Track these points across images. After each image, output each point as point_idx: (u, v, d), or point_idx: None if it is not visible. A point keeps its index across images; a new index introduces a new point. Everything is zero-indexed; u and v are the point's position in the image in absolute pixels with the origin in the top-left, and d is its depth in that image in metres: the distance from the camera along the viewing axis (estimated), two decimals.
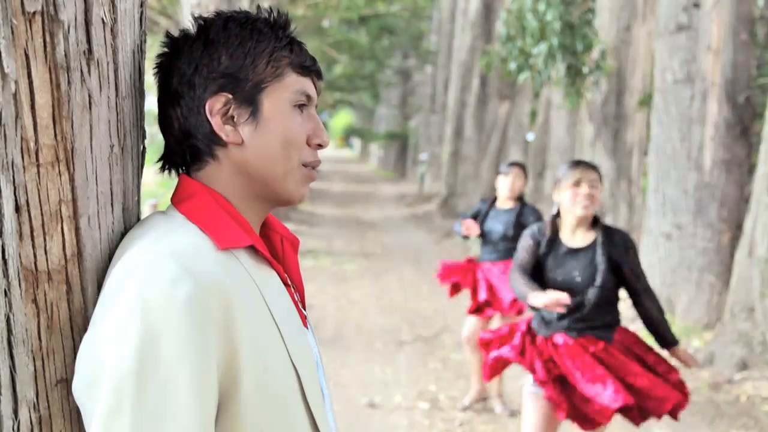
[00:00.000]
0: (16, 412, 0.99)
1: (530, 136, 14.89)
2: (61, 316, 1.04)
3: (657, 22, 7.99)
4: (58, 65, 1.00)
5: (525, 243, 3.46)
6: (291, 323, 1.14)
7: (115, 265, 1.05)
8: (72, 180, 1.03)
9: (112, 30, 1.10)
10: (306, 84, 1.18)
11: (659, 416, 3.29)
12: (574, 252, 3.36)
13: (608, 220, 9.20)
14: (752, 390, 5.55)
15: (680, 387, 3.32)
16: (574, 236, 3.38)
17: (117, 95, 1.12)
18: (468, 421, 4.95)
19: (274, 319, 1.10)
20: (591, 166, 3.35)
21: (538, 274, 3.43)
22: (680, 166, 7.29)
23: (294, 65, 1.17)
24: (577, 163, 3.35)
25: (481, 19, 16.19)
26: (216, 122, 1.13)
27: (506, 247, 5.11)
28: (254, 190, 1.17)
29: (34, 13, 0.97)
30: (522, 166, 5.33)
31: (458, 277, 5.32)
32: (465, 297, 5.73)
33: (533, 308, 3.35)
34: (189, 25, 1.18)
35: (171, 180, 1.24)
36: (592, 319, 3.32)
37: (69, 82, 1.02)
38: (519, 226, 5.02)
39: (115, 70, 1.11)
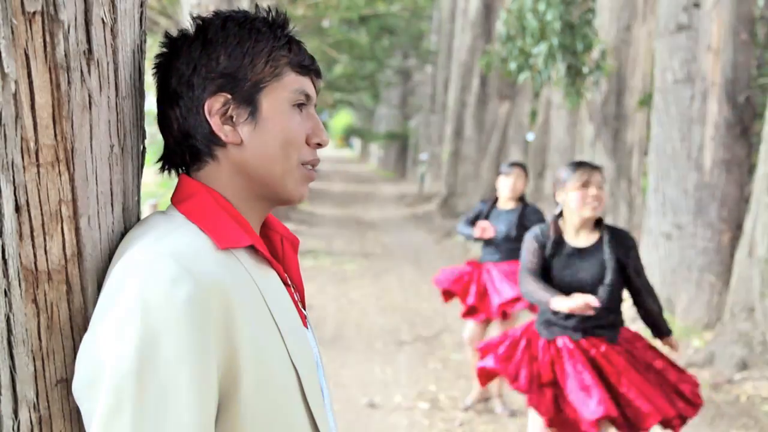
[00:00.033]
0: (16, 412, 0.99)
1: (530, 136, 14.89)
2: (61, 316, 1.04)
3: (657, 22, 7.99)
4: (58, 65, 1.00)
5: (530, 246, 3.44)
6: (291, 323, 1.14)
7: (115, 265, 1.05)
8: (72, 180, 1.03)
9: (112, 30, 1.10)
10: (305, 83, 1.18)
11: (645, 429, 3.27)
12: (579, 252, 3.37)
13: (608, 220, 9.20)
14: (752, 390, 5.55)
15: (691, 396, 3.31)
16: (579, 237, 3.40)
17: (117, 95, 1.12)
18: (468, 421, 4.95)
19: (274, 319, 1.10)
20: (596, 167, 3.38)
21: (545, 277, 3.43)
22: (680, 166, 7.29)
23: (293, 64, 1.17)
24: (583, 164, 3.36)
25: (481, 19, 16.19)
26: (215, 122, 1.13)
27: (509, 247, 5.11)
28: (254, 189, 1.17)
29: (34, 13, 0.97)
30: (523, 167, 5.33)
31: (450, 285, 5.32)
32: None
33: (554, 312, 3.35)
34: (188, 25, 1.18)
35: (171, 180, 1.24)
36: (597, 318, 3.33)
37: (69, 82, 1.02)
38: (522, 226, 5.02)
39: (115, 70, 1.11)
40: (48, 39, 0.98)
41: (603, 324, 3.35)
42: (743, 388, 5.59)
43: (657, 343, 3.75)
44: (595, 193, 3.29)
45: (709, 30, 6.97)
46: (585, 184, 3.29)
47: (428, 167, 22.52)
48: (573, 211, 3.35)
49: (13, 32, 0.95)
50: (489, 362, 3.55)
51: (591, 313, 3.20)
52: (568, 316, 3.35)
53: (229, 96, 1.13)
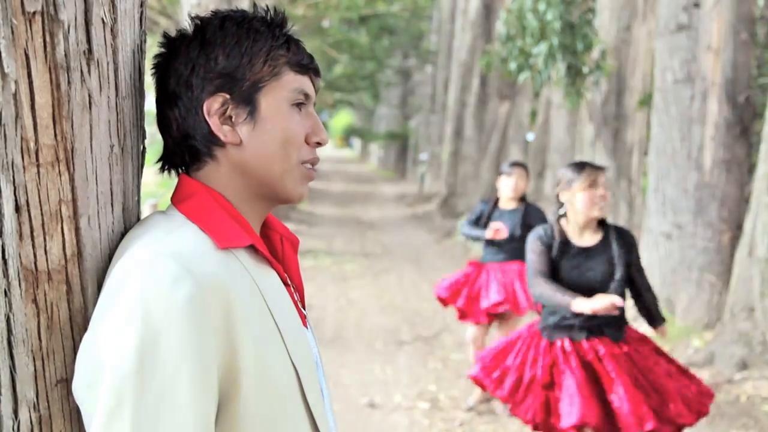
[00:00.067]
0: (16, 412, 0.99)
1: (530, 136, 14.89)
2: (61, 316, 1.04)
3: (657, 22, 7.98)
4: (58, 65, 1.00)
5: (536, 248, 3.42)
6: (291, 323, 1.14)
7: (115, 265, 1.05)
8: (72, 180, 1.03)
9: (112, 30, 1.10)
10: (304, 82, 1.18)
11: None
12: (585, 251, 3.38)
13: (608, 220, 9.19)
14: (752, 390, 5.55)
15: (695, 404, 3.29)
16: (583, 236, 3.41)
17: (117, 95, 1.12)
18: (468, 421, 4.95)
19: (274, 319, 1.10)
20: (601, 168, 3.41)
21: (552, 278, 3.43)
22: (680, 166, 7.29)
23: (291, 63, 1.16)
24: (588, 165, 3.38)
25: (481, 18, 16.19)
26: (214, 123, 1.13)
27: (514, 247, 5.11)
28: (254, 189, 1.17)
29: (34, 13, 0.97)
30: (524, 166, 5.34)
31: (443, 292, 5.32)
32: None
33: (577, 314, 3.35)
34: (186, 25, 1.18)
35: (171, 180, 1.24)
36: (603, 316, 3.32)
37: (69, 82, 1.02)
38: (526, 226, 5.03)
39: (115, 70, 1.11)
40: (48, 39, 0.98)
41: (609, 322, 3.35)
42: (743, 388, 5.59)
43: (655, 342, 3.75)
44: (602, 193, 3.33)
45: (709, 30, 6.97)
46: (592, 185, 3.32)
47: (428, 167, 22.51)
48: (580, 211, 3.36)
49: (13, 32, 0.95)
50: (475, 370, 3.63)
51: (616, 313, 3.20)
52: (573, 315, 3.35)
53: (228, 96, 1.13)
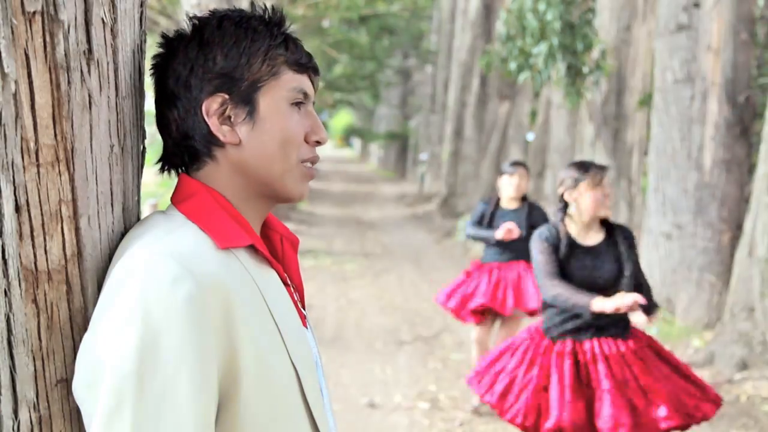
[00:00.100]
0: (16, 412, 0.99)
1: (530, 136, 14.89)
2: (61, 316, 1.04)
3: (657, 22, 7.98)
4: (58, 65, 1.00)
5: (543, 248, 3.40)
6: (291, 323, 1.14)
7: (115, 265, 1.05)
8: (72, 180, 1.03)
9: (112, 30, 1.10)
10: (303, 81, 1.18)
11: None
12: (592, 251, 3.40)
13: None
14: (752, 390, 5.55)
15: (692, 409, 3.27)
16: (588, 236, 3.43)
17: (117, 95, 1.12)
18: (468, 421, 4.95)
19: (274, 319, 1.10)
20: (604, 167, 3.44)
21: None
22: (680, 166, 7.29)
23: (290, 63, 1.16)
24: (593, 165, 3.40)
25: (481, 19, 16.19)
26: (213, 123, 1.13)
27: (518, 247, 5.11)
28: (253, 188, 1.16)
29: (34, 13, 0.97)
30: (525, 166, 5.34)
31: (444, 299, 5.33)
32: None
33: (566, 313, 3.35)
34: (185, 25, 1.18)
35: (171, 180, 1.24)
36: (609, 315, 3.32)
37: (69, 82, 1.02)
38: (530, 226, 5.03)
39: (115, 70, 1.11)
40: (48, 39, 0.98)
41: (616, 322, 3.36)
42: (743, 388, 5.59)
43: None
44: (606, 193, 3.37)
45: (709, 30, 6.97)
46: (598, 184, 3.34)
47: (428, 167, 22.52)
48: (586, 211, 3.37)
49: (13, 32, 0.95)
50: (469, 375, 3.66)
51: (637, 310, 3.20)
52: (578, 315, 3.35)
53: (227, 96, 1.13)
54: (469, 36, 16.73)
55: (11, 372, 0.98)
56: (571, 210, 3.41)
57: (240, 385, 1.03)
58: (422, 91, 29.40)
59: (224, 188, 1.15)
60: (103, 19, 1.07)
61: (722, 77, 6.88)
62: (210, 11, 1.17)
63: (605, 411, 3.20)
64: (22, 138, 0.97)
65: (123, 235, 1.16)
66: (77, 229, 1.05)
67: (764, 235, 5.84)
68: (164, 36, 1.18)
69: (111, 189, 1.12)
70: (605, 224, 3.48)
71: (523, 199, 5.25)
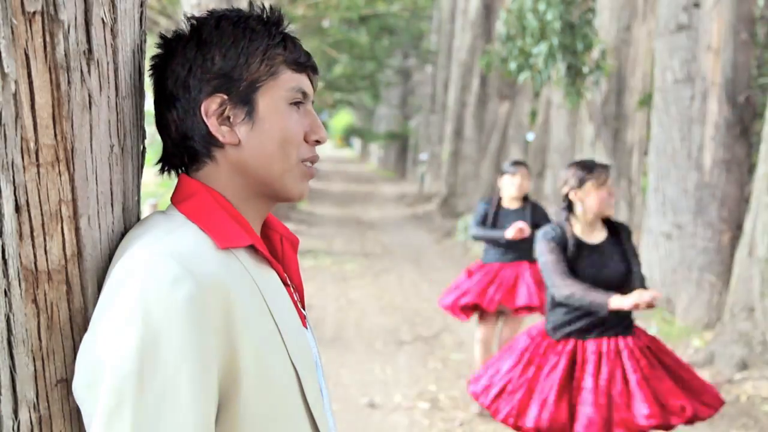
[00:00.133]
0: (16, 412, 0.99)
1: (530, 136, 14.89)
2: (61, 316, 1.04)
3: (657, 22, 7.99)
4: (58, 65, 1.00)
5: (551, 248, 3.37)
6: (291, 323, 1.13)
7: (115, 265, 1.05)
8: (72, 180, 1.03)
9: (112, 30, 1.09)
10: (301, 80, 1.17)
11: None
12: (597, 248, 3.41)
13: None
14: (752, 390, 5.55)
15: (676, 409, 3.27)
16: (592, 234, 3.44)
17: (117, 95, 1.12)
18: (468, 421, 4.95)
19: (274, 319, 1.10)
20: (607, 166, 3.47)
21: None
22: (680, 166, 7.29)
23: (288, 62, 1.16)
24: (596, 164, 3.43)
25: (481, 18, 16.19)
26: (212, 124, 1.13)
27: (522, 247, 5.11)
28: (253, 188, 1.16)
29: (34, 13, 0.96)
30: (526, 165, 5.34)
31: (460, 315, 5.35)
32: None
33: (585, 313, 3.35)
34: (184, 25, 1.18)
35: (171, 180, 1.24)
36: (615, 314, 3.32)
37: (69, 82, 1.02)
38: (534, 225, 5.04)
39: (115, 70, 1.11)
40: (48, 39, 0.98)
41: (621, 318, 3.36)
42: (743, 388, 5.59)
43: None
44: (612, 192, 3.40)
45: (709, 30, 6.97)
46: (604, 183, 3.35)
47: (428, 167, 22.52)
48: (591, 210, 3.38)
49: (13, 32, 0.95)
50: (470, 380, 3.69)
51: (654, 306, 3.19)
52: (586, 315, 3.35)
53: (226, 96, 1.13)
54: (469, 36, 16.73)
55: (11, 372, 0.98)
56: (578, 210, 3.40)
57: (240, 385, 1.03)
58: (422, 91, 29.41)
59: (224, 188, 1.15)
60: (103, 19, 1.07)
61: (722, 77, 6.88)
62: (208, 11, 1.17)
63: (583, 410, 3.22)
64: (22, 138, 0.97)
65: (123, 235, 1.16)
66: (77, 229, 1.05)
67: (764, 235, 5.84)
68: (162, 37, 1.18)
69: (111, 189, 1.12)
70: (606, 222, 3.50)
71: (525, 198, 5.24)
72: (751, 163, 7.10)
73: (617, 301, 3.18)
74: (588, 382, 3.26)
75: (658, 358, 3.36)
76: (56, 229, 1.02)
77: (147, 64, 1.22)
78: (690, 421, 3.27)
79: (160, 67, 1.17)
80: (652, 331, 6.47)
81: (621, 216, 9.53)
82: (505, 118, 15.48)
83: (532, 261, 5.13)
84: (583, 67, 8.81)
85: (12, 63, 0.95)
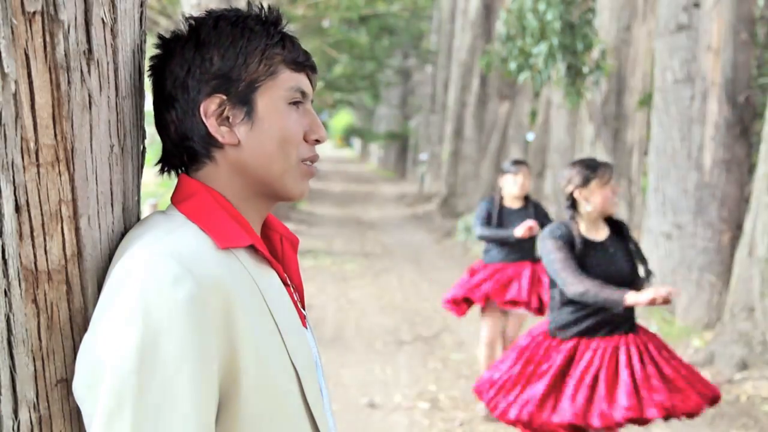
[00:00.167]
0: (16, 412, 0.99)
1: (530, 136, 14.89)
2: (61, 316, 1.04)
3: (657, 22, 7.98)
4: (58, 65, 1.00)
5: (559, 246, 3.34)
6: (291, 323, 1.13)
7: (115, 265, 1.05)
8: (72, 180, 1.03)
9: (112, 30, 1.09)
10: (300, 80, 1.17)
11: None
12: (603, 246, 3.41)
13: None
14: (752, 390, 5.55)
15: (669, 409, 3.27)
16: (596, 232, 3.44)
17: (117, 95, 1.12)
18: (468, 421, 4.95)
19: (274, 319, 1.10)
20: (610, 165, 3.49)
21: None
22: (680, 166, 7.29)
23: (287, 62, 1.16)
24: (600, 163, 3.44)
25: (481, 18, 16.19)
26: (211, 124, 1.13)
27: (525, 246, 5.11)
28: (253, 188, 1.16)
29: (34, 13, 0.97)
30: (527, 164, 5.34)
31: (454, 309, 5.35)
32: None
33: (588, 313, 3.36)
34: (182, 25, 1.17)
35: (171, 180, 1.24)
36: (618, 314, 3.32)
37: (69, 82, 1.02)
38: (539, 224, 5.04)
39: (115, 70, 1.11)
40: (48, 39, 0.98)
41: (627, 317, 3.36)
42: (743, 388, 5.59)
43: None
44: (616, 190, 3.43)
45: (709, 30, 6.97)
46: (608, 182, 3.38)
47: (428, 167, 22.52)
48: (596, 208, 3.39)
49: (13, 32, 0.95)
50: (485, 386, 3.68)
51: (669, 301, 3.17)
52: (593, 314, 3.34)
53: (225, 97, 1.13)
54: (469, 36, 16.73)
55: (11, 372, 0.98)
56: (585, 208, 3.39)
57: (240, 385, 1.03)
58: (422, 91, 29.41)
59: (224, 188, 1.15)
60: (103, 19, 1.07)
61: (722, 77, 6.88)
62: (206, 11, 1.17)
63: (563, 404, 3.25)
64: (22, 138, 0.97)
65: (123, 235, 1.16)
66: (77, 229, 1.05)
67: (764, 235, 5.84)
68: (161, 37, 1.17)
69: (111, 189, 1.12)
70: (606, 220, 3.51)
71: (526, 198, 5.24)
72: (751, 163, 7.10)
73: (633, 297, 3.13)
74: (575, 375, 3.27)
75: (654, 359, 3.36)
76: (56, 229, 1.02)
77: (146, 64, 1.22)
78: (668, 415, 3.26)
79: (158, 67, 1.17)
80: (652, 330, 6.47)
81: (621, 216, 9.53)
82: (505, 118, 15.48)
83: (535, 261, 5.13)
84: (583, 67, 8.81)
85: (12, 63, 0.95)
